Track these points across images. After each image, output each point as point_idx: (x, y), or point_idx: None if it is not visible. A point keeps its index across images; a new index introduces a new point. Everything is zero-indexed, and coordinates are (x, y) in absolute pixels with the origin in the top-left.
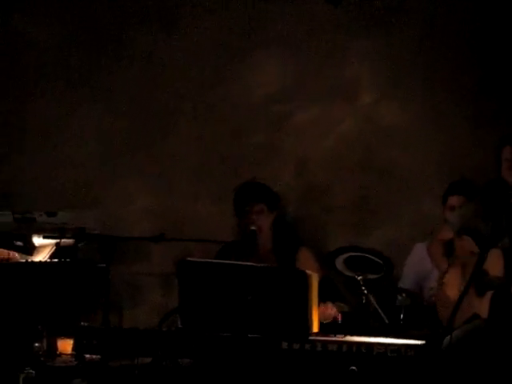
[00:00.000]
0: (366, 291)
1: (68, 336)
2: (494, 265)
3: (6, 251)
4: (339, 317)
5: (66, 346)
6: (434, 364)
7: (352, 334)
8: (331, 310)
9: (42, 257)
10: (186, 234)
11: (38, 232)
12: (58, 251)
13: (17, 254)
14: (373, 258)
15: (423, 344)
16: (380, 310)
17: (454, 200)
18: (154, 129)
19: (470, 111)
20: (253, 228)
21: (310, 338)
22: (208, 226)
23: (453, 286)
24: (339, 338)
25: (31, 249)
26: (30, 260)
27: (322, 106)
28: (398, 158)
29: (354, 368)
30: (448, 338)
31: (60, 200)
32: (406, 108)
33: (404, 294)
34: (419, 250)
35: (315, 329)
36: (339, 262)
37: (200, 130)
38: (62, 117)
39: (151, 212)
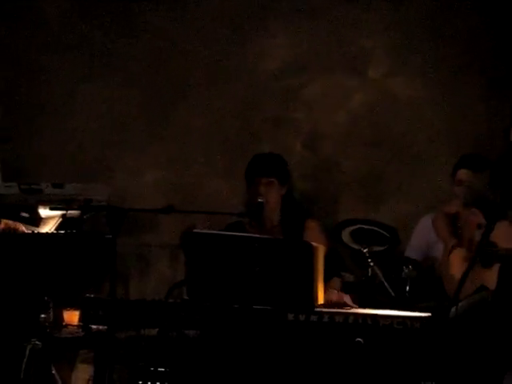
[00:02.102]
0: (372, 263)
1: (74, 307)
2: (502, 236)
3: (12, 222)
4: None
5: (72, 317)
6: (440, 336)
7: (358, 306)
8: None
9: (48, 228)
10: (195, 207)
11: (45, 203)
12: (65, 223)
13: (23, 226)
14: (379, 230)
15: (429, 316)
16: (386, 283)
17: (462, 174)
18: (164, 102)
19: (480, 84)
20: (260, 200)
21: (316, 309)
22: (217, 200)
23: (458, 263)
24: (345, 309)
25: (37, 220)
26: (36, 231)
27: (333, 79)
28: (409, 132)
29: (359, 340)
30: (454, 308)
31: (69, 173)
32: (417, 82)
33: (410, 266)
34: (426, 222)
35: (321, 300)
36: (345, 235)
37: (210, 104)
38: (71, 90)
39: (160, 185)
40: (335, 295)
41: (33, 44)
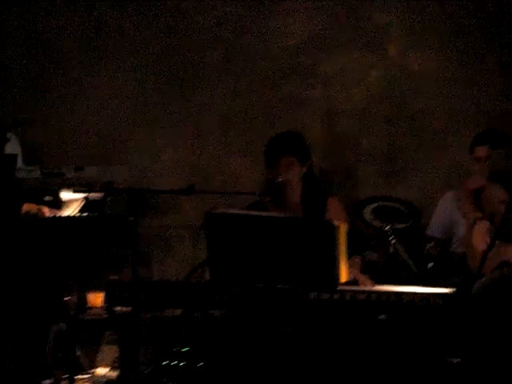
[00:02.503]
0: (394, 241)
1: (98, 289)
2: None
3: (34, 206)
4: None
5: (96, 299)
6: (463, 312)
7: (381, 284)
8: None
9: (70, 211)
10: (215, 187)
11: (67, 187)
12: (87, 205)
13: (46, 209)
14: (400, 207)
15: (452, 292)
16: (408, 260)
17: (479, 151)
18: (183, 81)
19: (500, 59)
20: (279, 180)
21: (339, 288)
22: (235, 179)
23: (481, 235)
24: (368, 287)
25: (60, 203)
26: (59, 215)
27: (350, 55)
28: (427, 108)
29: (383, 317)
30: (478, 282)
31: (88, 155)
32: (435, 57)
33: (432, 243)
34: (448, 199)
35: (343, 279)
36: (367, 213)
37: (228, 82)
38: (90, 71)
39: (179, 165)
40: (355, 274)
41: (51, 27)
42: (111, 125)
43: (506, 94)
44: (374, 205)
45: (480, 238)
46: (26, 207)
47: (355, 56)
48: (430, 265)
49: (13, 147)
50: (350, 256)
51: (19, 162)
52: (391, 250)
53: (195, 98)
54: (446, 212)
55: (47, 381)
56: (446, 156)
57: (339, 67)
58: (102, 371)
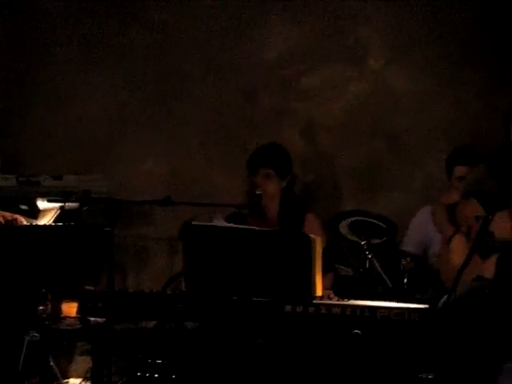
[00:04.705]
0: (369, 256)
1: (72, 299)
2: (501, 227)
3: (9, 214)
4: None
5: (70, 309)
6: (437, 326)
7: (356, 298)
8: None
9: (46, 220)
10: (195, 199)
11: (43, 195)
12: (63, 215)
13: (22, 218)
14: (376, 222)
15: (427, 307)
16: (384, 275)
17: (461, 170)
18: (164, 92)
19: (479, 77)
20: (258, 192)
21: (314, 301)
22: (216, 191)
23: (458, 250)
24: (343, 301)
25: (36, 212)
26: (34, 223)
27: (331, 69)
28: (407, 123)
29: (357, 331)
30: (444, 298)
31: (66, 164)
32: (415, 73)
33: (408, 258)
34: (423, 214)
35: (319, 292)
36: (343, 227)
37: (209, 94)
38: (71, 80)
39: (159, 176)
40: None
41: (34, 36)
42: (91, 134)
43: (484, 112)
44: (351, 219)
45: (457, 253)
46: (1, 216)
47: (336, 70)
48: (406, 280)
49: None
50: (325, 272)
51: None
52: (367, 265)
53: (177, 109)
54: (422, 227)
55: None
56: (423, 172)
57: (320, 81)
58: (74, 382)
